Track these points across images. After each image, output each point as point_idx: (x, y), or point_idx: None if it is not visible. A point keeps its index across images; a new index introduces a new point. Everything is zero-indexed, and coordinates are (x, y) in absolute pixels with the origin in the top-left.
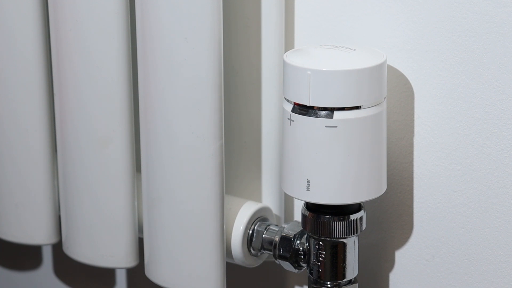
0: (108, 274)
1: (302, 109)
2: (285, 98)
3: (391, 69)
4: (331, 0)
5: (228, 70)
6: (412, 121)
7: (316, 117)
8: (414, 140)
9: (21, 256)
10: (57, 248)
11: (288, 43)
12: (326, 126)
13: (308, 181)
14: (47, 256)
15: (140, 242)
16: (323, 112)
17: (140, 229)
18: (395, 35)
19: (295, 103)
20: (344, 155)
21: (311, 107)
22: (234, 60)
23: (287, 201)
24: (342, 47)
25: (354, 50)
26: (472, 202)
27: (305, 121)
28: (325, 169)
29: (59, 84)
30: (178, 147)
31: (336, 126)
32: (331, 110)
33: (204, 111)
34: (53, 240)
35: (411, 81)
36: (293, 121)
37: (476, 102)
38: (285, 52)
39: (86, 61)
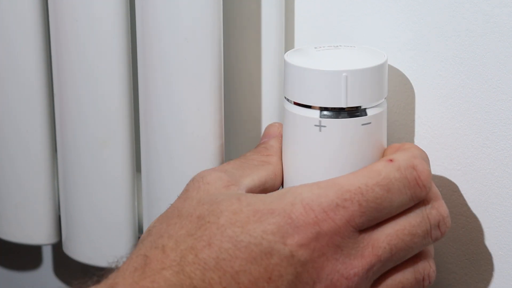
0: (108, 274)
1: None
2: (285, 98)
3: (391, 69)
4: (331, 0)
5: (228, 70)
6: (412, 121)
7: (350, 117)
8: (414, 140)
9: (21, 256)
10: (57, 248)
11: (288, 43)
12: (362, 124)
13: None
14: (47, 256)
15: None
16: (356, 112)
17: (140, 229)
18: (395, 35)
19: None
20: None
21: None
22: (234, 60)
23: None
24: (341, 46)
25: (354, 48)
26: (472, 202)
27: (339, 124)
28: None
29: (59, 85)
30: (178, 147)
31: (370, 123)
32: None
33: (204, 111)
34: (53, 240)
35: (411, 81)
36: (324, 126)
37: (476, 102)
38: (285, 52)
39: (86, 61)
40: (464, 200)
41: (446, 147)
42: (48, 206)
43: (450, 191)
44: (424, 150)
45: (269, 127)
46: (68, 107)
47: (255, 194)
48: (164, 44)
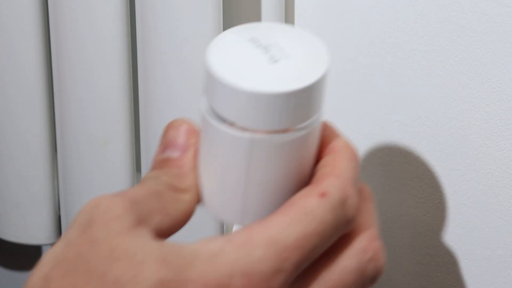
0: None
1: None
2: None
3: (391, 69)
4: (331, 0)
5: None
6: (412, 121)
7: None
8: (414, 140)
9: (21, 256)
10: None
11: None
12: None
13: None
14: None
15: None
16: None
17: None
18: (395, 35)
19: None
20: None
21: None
22: None
23: None
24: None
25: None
26: (472, 202)
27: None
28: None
29: (59, 85)
30: None
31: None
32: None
33: None
34: (53, 240)
35: (411, 81)
36: (230, 141)
37: (476, 102)
38: None
39: (86, 61)
40: (464, 200)
41: (446, 147)
42: (48, 206)
43: (450, 191)
44: (354, 148)
45: (172, 129)
46: (68, 107)
47: (181, 253)
48: (164, 44)
